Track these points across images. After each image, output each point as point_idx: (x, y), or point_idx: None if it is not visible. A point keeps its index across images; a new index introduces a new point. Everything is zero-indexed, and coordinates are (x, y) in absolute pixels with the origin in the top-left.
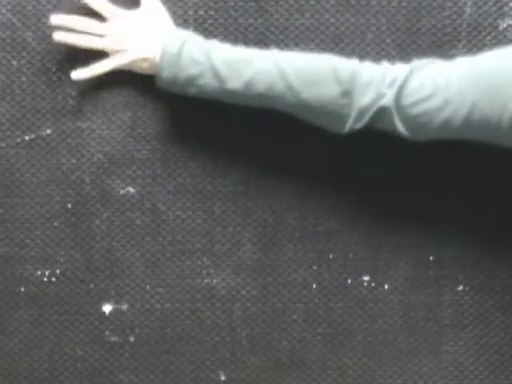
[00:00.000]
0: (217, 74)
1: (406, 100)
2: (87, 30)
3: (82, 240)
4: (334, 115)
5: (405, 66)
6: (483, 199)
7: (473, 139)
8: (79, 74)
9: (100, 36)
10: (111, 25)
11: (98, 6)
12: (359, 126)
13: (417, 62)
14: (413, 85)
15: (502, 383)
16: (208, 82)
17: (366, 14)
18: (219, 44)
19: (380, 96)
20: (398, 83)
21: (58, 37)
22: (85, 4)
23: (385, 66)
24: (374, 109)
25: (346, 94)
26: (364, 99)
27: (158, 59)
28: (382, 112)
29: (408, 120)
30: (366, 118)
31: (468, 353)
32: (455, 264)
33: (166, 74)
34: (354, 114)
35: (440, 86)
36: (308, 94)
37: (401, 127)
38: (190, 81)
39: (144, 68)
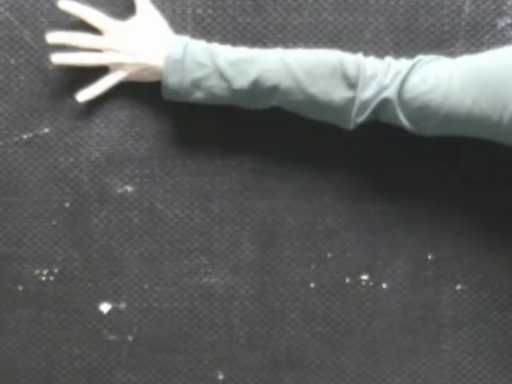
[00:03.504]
0: (223, 75)
1: (408, 93)
2: (86, 46)
3: (79, 239)
4: (341, 110)
5: (409, 61)
6: (482, 198)
7: (474, 136)
8: (85, 95)
9: (98, 51)
10: (109, 38)
11: (94, 20)
12: (361, 119)
13: (421, 57)
14: (415, 79)
15: (500, 382)
16: (214, 83)
17: (364, 12)
18: (221, 46)
19: (383, 88)
20: (400, 76)
21: (57, 59)
22: (80, 19)
23: (388, 60)
24: (376, 101)
25: (352, 87)
26: (366, 93)
27: (160, 67)
28: (385, 104)
29: (410, 113)
30: (369, 111)
31: (466, 352)
32: (453, 263)
33: (172, 80)
34: (356, 108)
35: (442, 81)
36: (315, 88)
37: (403, 120)
38: (196, 84)
39: (146, 77)
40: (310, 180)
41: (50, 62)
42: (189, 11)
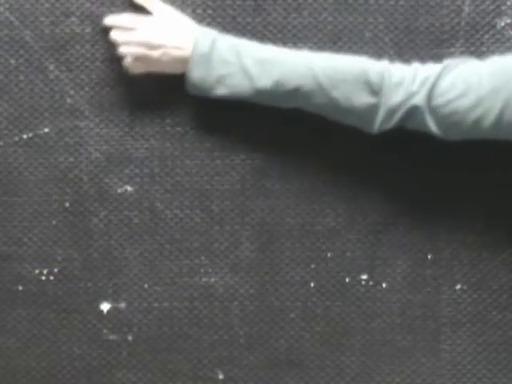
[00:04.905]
0: (247, 73)
1: (438, 99)
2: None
3: (79, 238)
4: (363, 115)
5: (436, 66)
6: (482, 198)
7: (502, 139)
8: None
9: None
10: (140, 32)
11: (124, 22)
12: (389, 125)
13: (448, 62)
14: (444, 84)
15: (499, 381)
16: (238, 81)
17: (363, 12)
18: (248, 42)
19: (411, 95)
20: (429, 82)
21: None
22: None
23: (415, 66)
24: (404, 108)
25: (375, 94)
26: (393, 99)
27: (186, 56)
28: (414, 111)
29: (440, 119)
30: (396, 118)
31: (466, 351)
32: (453, 263)
33: (197, 73)
34: (382, 114)
35: (472, 85)
36: (337, 93)
37: (433, 126)
38: (221, 80)
39: (170, 67)
40: (310, 180)
41: (50, 62)
42: (189, 11)
